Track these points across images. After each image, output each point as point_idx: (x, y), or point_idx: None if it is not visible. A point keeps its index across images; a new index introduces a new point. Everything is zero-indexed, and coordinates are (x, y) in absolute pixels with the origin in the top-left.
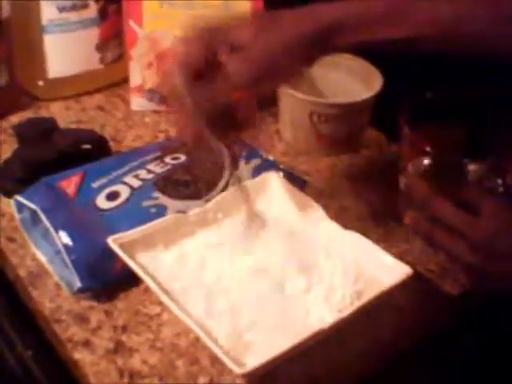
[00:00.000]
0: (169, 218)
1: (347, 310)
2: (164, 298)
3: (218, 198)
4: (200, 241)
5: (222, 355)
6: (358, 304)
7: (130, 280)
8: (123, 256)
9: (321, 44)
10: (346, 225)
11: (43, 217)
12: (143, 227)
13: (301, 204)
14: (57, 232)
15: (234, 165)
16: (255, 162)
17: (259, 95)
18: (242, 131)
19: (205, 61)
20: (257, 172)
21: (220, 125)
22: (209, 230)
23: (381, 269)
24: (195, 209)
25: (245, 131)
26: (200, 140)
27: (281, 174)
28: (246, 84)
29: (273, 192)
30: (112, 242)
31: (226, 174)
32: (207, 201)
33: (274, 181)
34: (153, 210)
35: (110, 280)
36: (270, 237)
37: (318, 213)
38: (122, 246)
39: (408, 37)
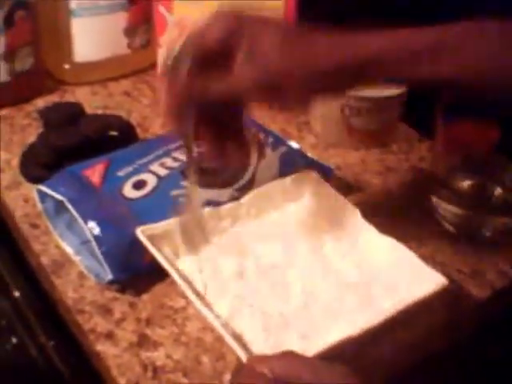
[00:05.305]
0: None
1: (379, 318)
2: (189, 294)
3: (252, 193)
4: (231, 236)
5: (243, 354)
6: (389, 313)
7: (156, 271)
8: (150, 248)
9: (353, 78)
10: (375, 221)
11: (71, 207)
12: (173, 219)
13: (337, 206)
14: (86, 223)
15: (261, 152)
16: (282, 149)
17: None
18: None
19: (219, 48)
20: (283, 159)
21: (204, 122)
22: (241, 225)
23: (416, 278)
24: (228, 204)
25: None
26: (178, 125)
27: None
28: (247, 92)
29: (308, 192)
30: (140, 232)
31: (254, 161)
32: (236, 190)
33: (311, 180)
34: (182, 200)
35: (140, 271)
36: (304, 238)
37: (354, 216)
38: (150, 237)
39: (451, 77)
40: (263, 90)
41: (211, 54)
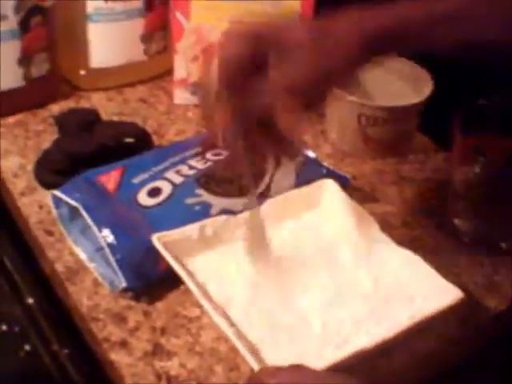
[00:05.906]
0: (217, 219)
1: (394, 331)
2: (204, 302)
3: (268, 202)
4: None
5: (256, 365)
6: (404, 325)
7: (171, 280)
8: (166, 255)
9: (380, 48)
10: (390, 231)
11: (85, 214)
12: (189, 227)
13: (354, 216)
14: (100, 230)
15: (277, 161)
16: (298, 158)
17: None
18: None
19: (251, 61)
20: (300, 169)
21: (258, 135)
22: (257, 234)
23: (432, 290)
24: (245, 212)
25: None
26: (234, 150)
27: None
28: (294, 93)
29: (325, 201)
30: (156, 239)
31: (270, 170)
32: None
33: (328, 190)
34: (197, 208)
35: (155, 279)
36: (320, 247)
37: (371, 226)
38: (165, 244)
39: (475, 39)
40: (310, 86)
41: (243, 69)
